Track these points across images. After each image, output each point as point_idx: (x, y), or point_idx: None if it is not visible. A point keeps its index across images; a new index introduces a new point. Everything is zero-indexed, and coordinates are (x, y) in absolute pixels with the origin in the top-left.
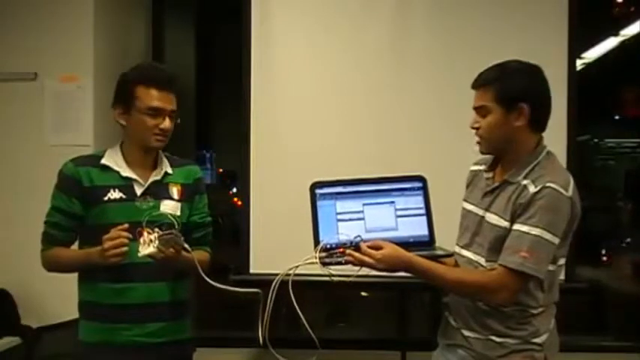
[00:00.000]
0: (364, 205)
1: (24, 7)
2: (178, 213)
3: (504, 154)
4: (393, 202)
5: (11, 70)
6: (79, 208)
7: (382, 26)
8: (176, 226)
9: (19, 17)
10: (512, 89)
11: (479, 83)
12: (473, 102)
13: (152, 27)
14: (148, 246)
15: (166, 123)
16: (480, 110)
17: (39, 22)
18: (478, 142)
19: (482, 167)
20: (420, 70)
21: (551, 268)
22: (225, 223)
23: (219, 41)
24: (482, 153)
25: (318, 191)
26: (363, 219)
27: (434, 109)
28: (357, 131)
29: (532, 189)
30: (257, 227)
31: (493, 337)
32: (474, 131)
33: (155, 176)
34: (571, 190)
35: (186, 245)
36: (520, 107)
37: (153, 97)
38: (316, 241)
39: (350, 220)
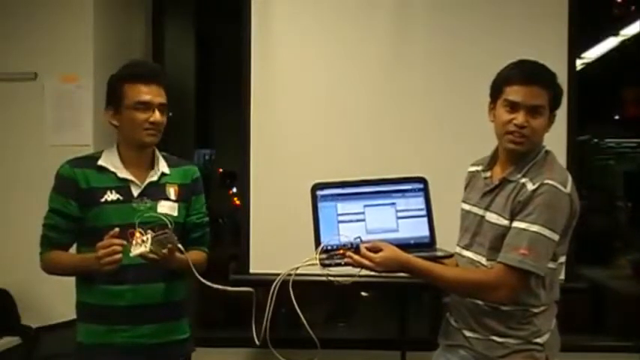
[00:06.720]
0: (365, 206)
1: (24, 7)
2: (175, 214)
3: (528, 154)
4: (394, 204)
5: (11, 70)
6: (76, 209)
7: (382, 27)
8: (169, 226)
9: (19, 17)
10: (560, 97)
11: (540, 81)
12: (525, 97)
13: (152, 27)
14: (139, 246)
15: (156, 116)
16: (535, 109)
17: (39, 22)
18: (515, 141)
19: (479, 167)
20: (420, 71)
21: (551, 265)
22: (225, 223)
23: (219, 41)
24: (519, 152)
25: (319, 193)
26: (364, 220)
27: (434, 110)
28: (357, 131)
29: (530, 186)
30: (257, 227)
31: (494, 338)
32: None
33: (151, 177)
34: (569, 187)
35: (180, 245)
36: (554, 115)
37: (140, 92)
38: (317, 243)
39: (351, 221)
